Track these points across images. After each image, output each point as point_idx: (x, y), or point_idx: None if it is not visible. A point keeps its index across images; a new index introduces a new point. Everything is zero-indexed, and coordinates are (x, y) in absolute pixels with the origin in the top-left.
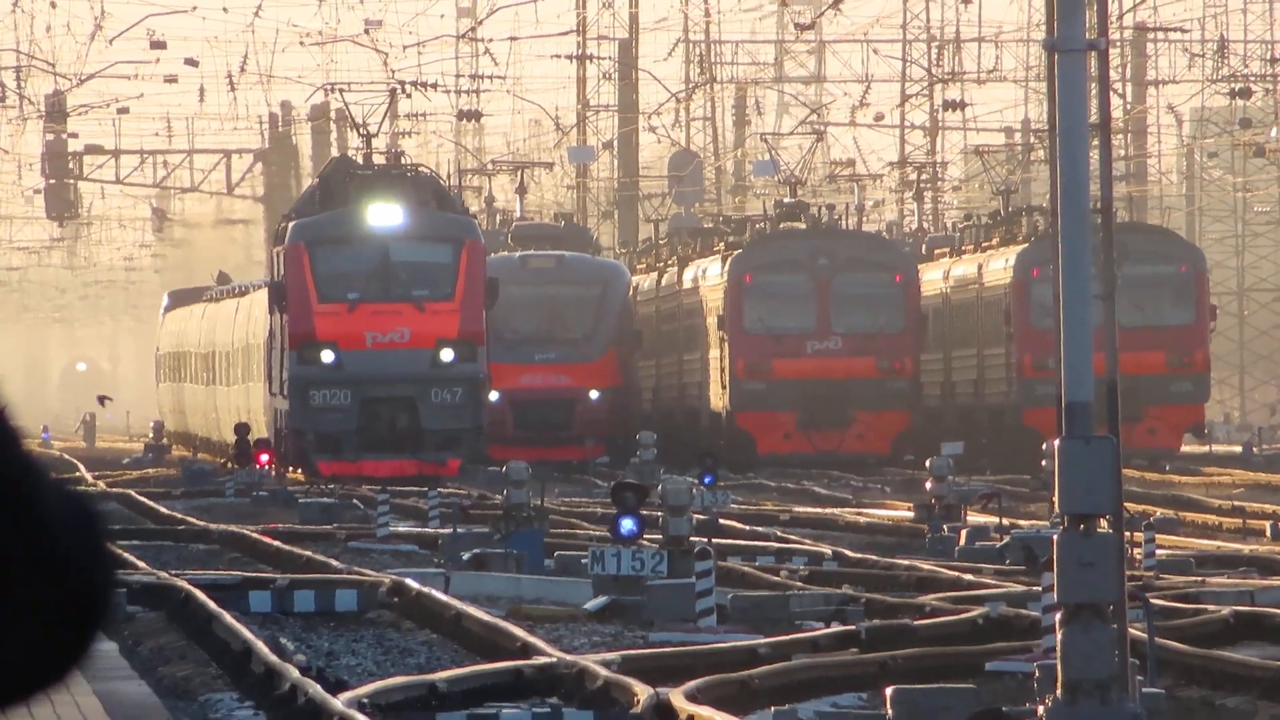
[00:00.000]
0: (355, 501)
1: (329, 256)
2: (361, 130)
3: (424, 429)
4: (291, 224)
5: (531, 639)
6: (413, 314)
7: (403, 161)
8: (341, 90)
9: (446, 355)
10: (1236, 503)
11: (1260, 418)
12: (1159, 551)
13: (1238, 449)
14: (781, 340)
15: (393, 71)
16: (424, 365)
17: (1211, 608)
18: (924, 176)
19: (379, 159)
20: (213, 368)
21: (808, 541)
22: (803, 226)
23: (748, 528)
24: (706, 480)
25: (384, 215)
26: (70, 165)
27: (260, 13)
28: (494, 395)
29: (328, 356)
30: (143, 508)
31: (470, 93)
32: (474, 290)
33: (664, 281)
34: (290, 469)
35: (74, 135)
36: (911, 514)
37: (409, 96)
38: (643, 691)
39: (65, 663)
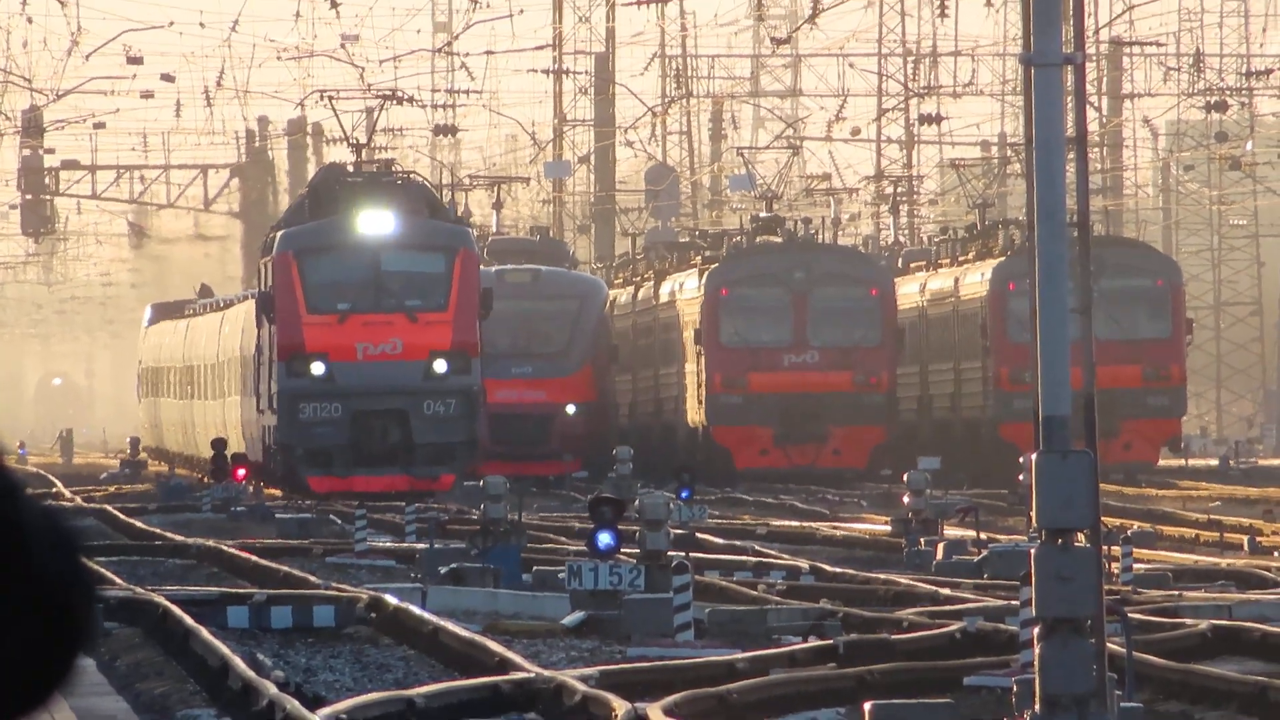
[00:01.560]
0: (332, 517)
1: (318, 266)
2: (351, 139)
3: (417, 443)
4: (279, 233)
5: (509, 654)
6: (405, 325)
7: (394, 169)
8: (331, 97)
9: (440, 367)
10: (1213, 516)
11: (1237, 432)
12: (1136, 566)
13: (1214, 463)
14: (758, 354)
15: (368, 85)
16: (417, 377)
17: (1189, 622)
18: (900, 190)
19: (369, 168)
20: (195, 382)
21: (785, 556)
22: (779, 240)
23: (725, 542)
24: (683, 495)
25: (375, 223)
26: (46, 181)
27: (237, 28)
28: None
29: (318, 369)
30: (119, 523)
31: (446, 107)
32: (468, 300)
33: (640, 296)
34: (278, 486)
35: (50, 151)
36: (889, 528)
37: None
38: (620, 707)
39: (49, 684)
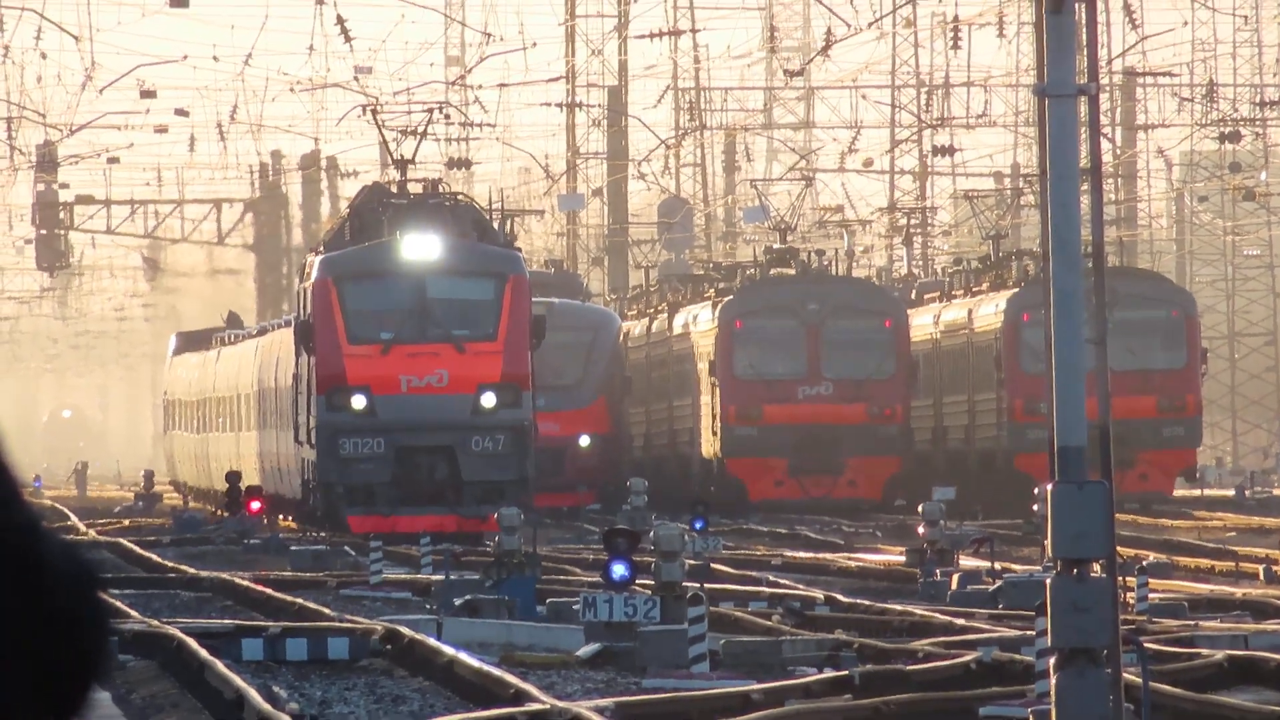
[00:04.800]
0: (346, 548)
1: (360, 293)
2: (396, 155)
3: (464, 481)
4: (319, 258)
5: (525, 686)
6: (452, 355)
7: (440, 189)
8: (374, 110)
9: (488, 401)
10: (1229, 546)
11: (1252, 462)
12: (1152, 596)
13: (1230, 493)
14: (772, 386)
15: (380, 123)
16: (464, 412)
17: (1205, 652)
18: (913, 221)
19: (414, 188)
20: (235, 413)
21: (800, 587)
22: (793, 272)
23: (740, 573)
24: (698, 526)
25: (420, 248)
26: (61, 215)
27: (250, 61)
28: None
29: (359, 402)
30: (134, 556)
31: (460, 140)
32: (518, 329)
33: (654, 328)
34: (316, 526)
35: (65, 185)
36: (904, 559)
37: (447, 119)
38: None
39: (65, 715)
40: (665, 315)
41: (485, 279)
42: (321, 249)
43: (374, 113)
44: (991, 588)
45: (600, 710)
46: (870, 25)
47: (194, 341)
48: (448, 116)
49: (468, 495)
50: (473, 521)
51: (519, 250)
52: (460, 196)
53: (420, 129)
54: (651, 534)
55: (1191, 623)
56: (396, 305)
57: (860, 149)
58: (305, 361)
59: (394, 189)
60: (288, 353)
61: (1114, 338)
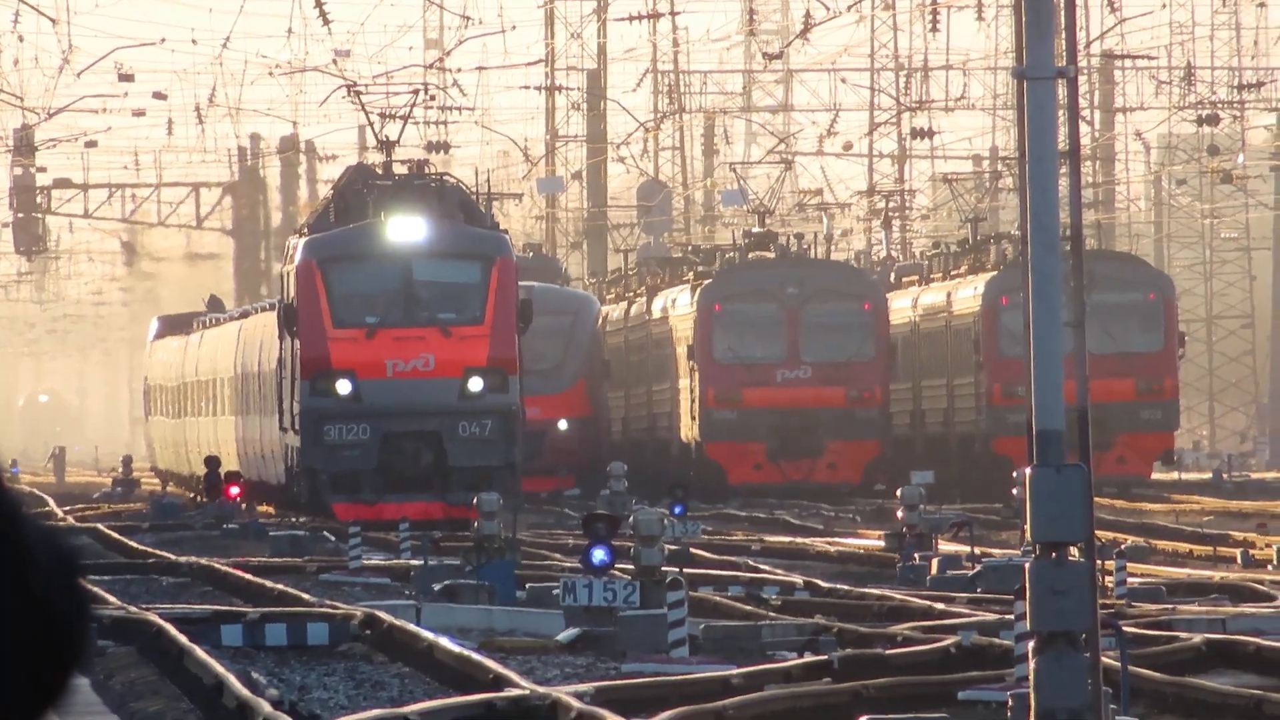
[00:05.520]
0: (325, 534)
1: (345, 276)
2: (380, 136)
3: (451, 467)
4: (302, 240)
5: (504, 671)
6: (438, 339)
7: (427, 170)
8: (359, 92)
9: (475, 385)
10: (1207, 530)
11: (1230, 445)
12: (1130, 579)
13: (1208, 476)
14: (751, 369)
15: (364, 104)
16: (451, 396)
17: (1184, 635)
18: (892, 205)
19: (399, 169)
20: (215, 398)
21: (779, 571)
22: (772, 256)
23: (720, 558)
24: (677, 510)
25: (406, 230)
26: (38, 199)
27: (229, 44)
28: None
29: (344, 387)
30: (112, 542)
31: (438, 124)
32: (505, 313)
33: (633, 311)
34: (301, 513)
35: (42, 169)
36: (883, 543)
37: (432, 99)
38: None
39: (44, 702)
40: (644, 299)
41: (472, 261)
42: (305, 231)
43: (358, 94)
44: (970, 572)
45: (580, 695)
46: (849, 8)
47: (175, 325)
48: (433, 97)
49: (455, 481)
50: (460, 509)
51: (505, 232)
52: (446, 177)
53: (407, 110)
54: (631, 519)
55: (1170, 606)
56: (382, 288)
57: (839, 132)
58: (289, 346)
59: (379, 170)
60: (271, 337)
61: (1092, 321)
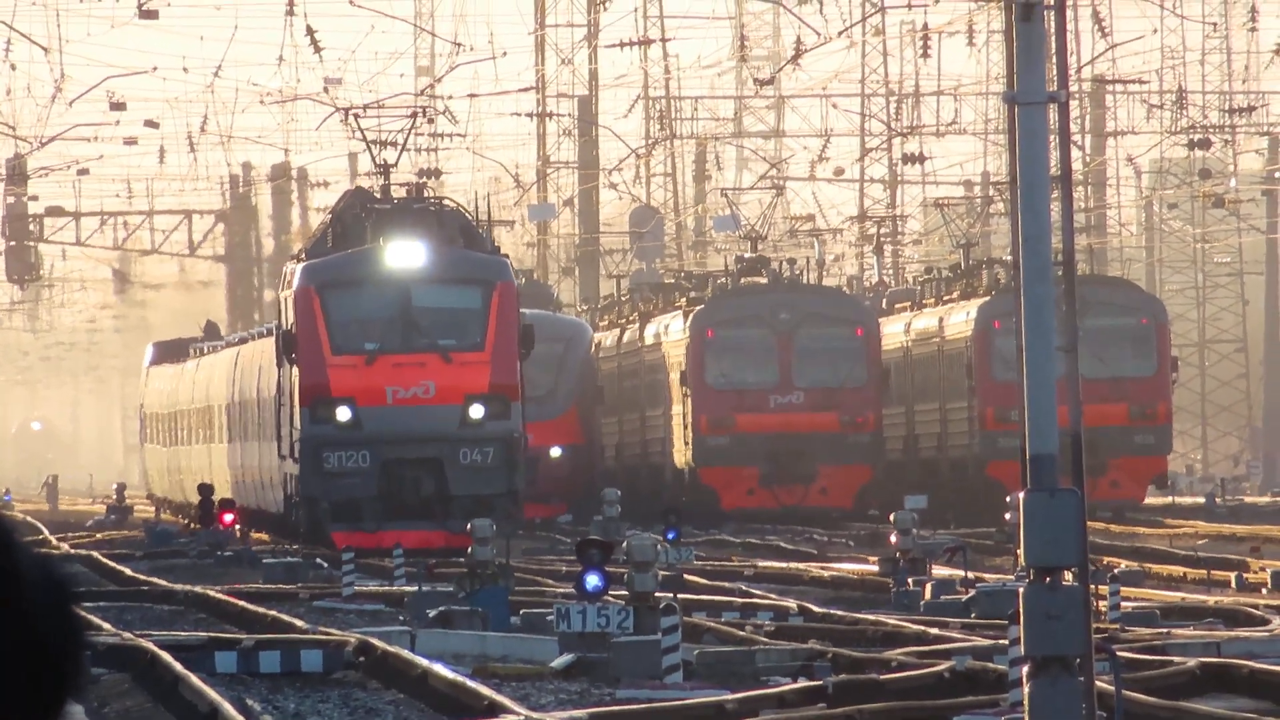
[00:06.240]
0: (319, 560)
1: (344, 302)
2: (378, 158)
3: (452, 494)
4: (300, 265)
5: (498, 697)
6: (439, 366)
7: (426, 194)
8: (356, 115)
9: (476, 412)
10: (1201, 554)
11: (1223, 469)
12: (1124, 604)
13: (1201, 500)
14: (744, 395)
15: (361, 128)
16: (452, 423)
17: (1178, 660)
18: (884, 230)
19: (398, 192)
20: (212, 425)
21: (773, 596)
22: (764, 281)
23: (713, 583)
24: (670, 536)
25: (405, 255)
26: (31, 227)
27: (220, 73)
28: None
29: (344, 414)
30: (106, 569)
31: (429, 150)
32: (506, 339)
33: (626, 338)
34: (300, 541)
35: (34, 198)
36: (877, 568)
37: (430, 121)
38: None
39: None
40: (637, 325)
41: (472, 286)
42: (303, 255)
43: (356, 117)
44: (964, 597)
45: None
46: (840, 34)
47: (171, 351)
48: (431, 120)
49: (456, 509)
50: (461, 537)
51: (507, 257)
52: (446, 201)
53: (404, 133)
54: (624, 544)
55: (1164, 630)
56: (381, 314)
57: (830, 157)
58: (287, 372)
59: (377, 194)
60: (269, 363)
61: (1084, 345)
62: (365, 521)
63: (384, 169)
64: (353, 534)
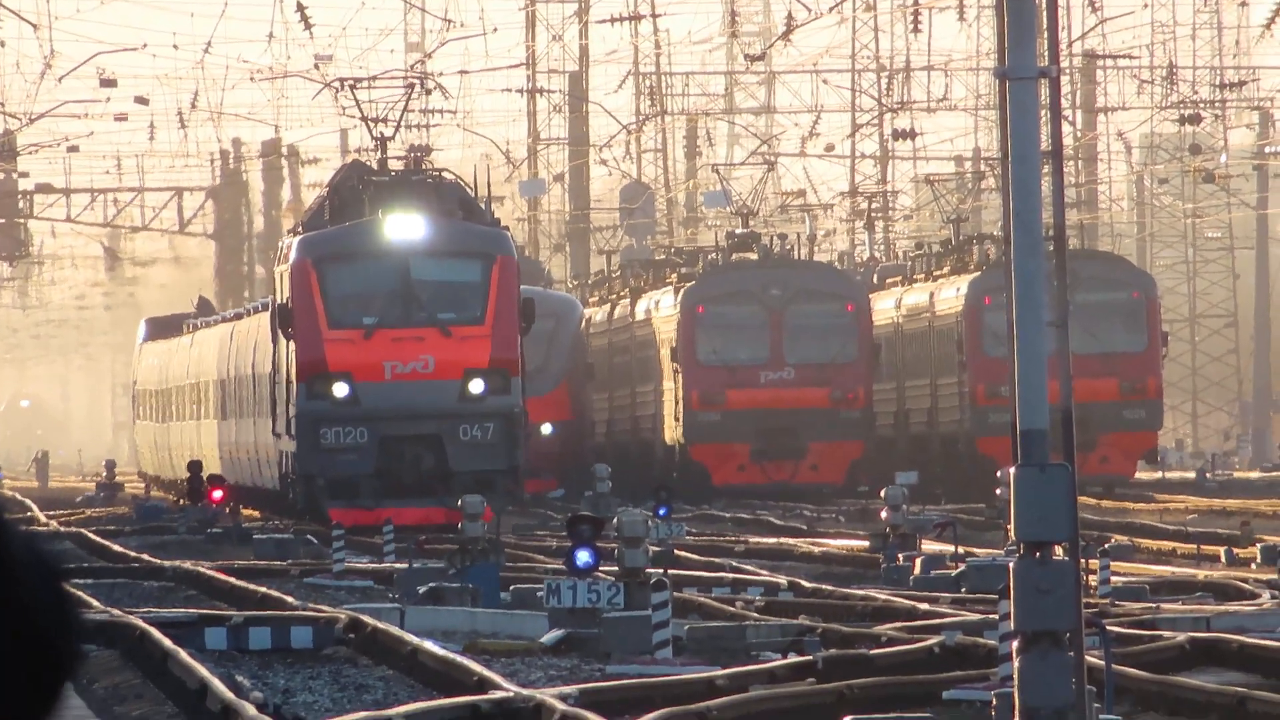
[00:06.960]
0: (309, 537)
1: (341, 276)
2: (375, 131)
3: (452, 471)
4: (297, 239)
5: (488, 673)
6: (438, 340)
7: (425, 166)
8: (352, 86)
9: (476, 387)
10: (1190, 529)
11: (1213, 444)
12: (1114, 578)
13: (1191, 475)
14: (735, 371)
15: (344, 108)
16: (451, 399)
17: (1167, 634)
18: (875, 206)
19: (396, 164)
20: (209, 400)
21: (763, 572)
22: (755, 257)
23: (704, 559)
24: (661, 512)
25: (403, 228)
26: (21, 204)
27: (210, 49)
28: None
29: (341, 390)
30: (96, 546)
31: (420, 127)
32: (507, 312)
33: (616, 314)
34: (296, 518)
35: (24, 174)
36: (867, 543)
37: (428, 93)
38: None
39: (42, 708)
40: (627, 301)
41: (472, 259)
42: (300, 229)
43: (351, 88)
44: (954, 572)
45: (564, 697)
46: (831, 10)
47: (165, 328)
48: (429, 91)
49: (456, 486)
50: (461, 514)
51: (506, 229)
52: (445, 173)
53: (401, 104)
54: (615, 520)
55: (1153, 605)
56: (379, 288)
57: (821, 133)
58: (284, 348)
59: (374, 166)
60: (264, 339)
61: (1075, 320)
62: (363, 498)
63: (380, 141)
64: (350, 511)
